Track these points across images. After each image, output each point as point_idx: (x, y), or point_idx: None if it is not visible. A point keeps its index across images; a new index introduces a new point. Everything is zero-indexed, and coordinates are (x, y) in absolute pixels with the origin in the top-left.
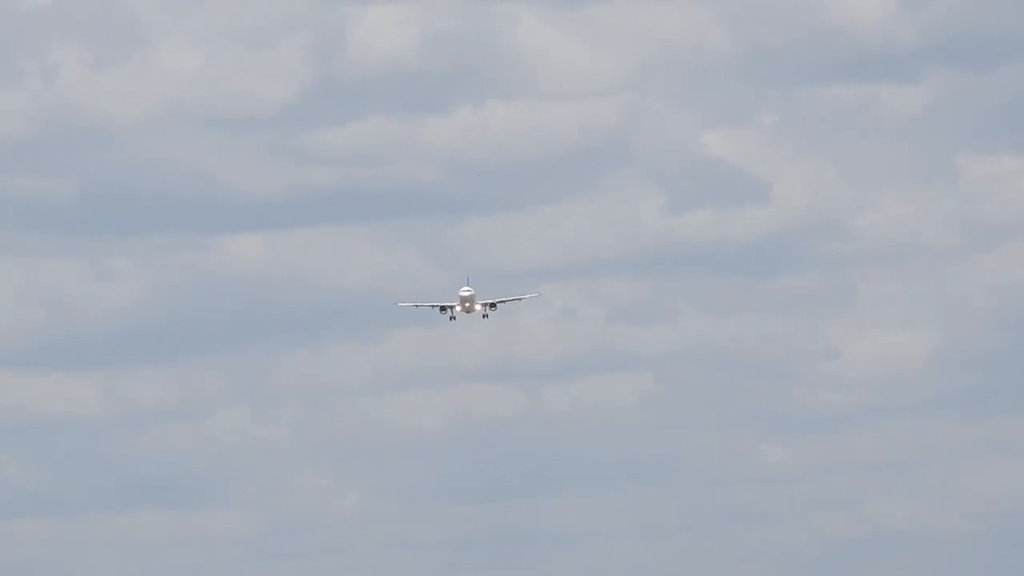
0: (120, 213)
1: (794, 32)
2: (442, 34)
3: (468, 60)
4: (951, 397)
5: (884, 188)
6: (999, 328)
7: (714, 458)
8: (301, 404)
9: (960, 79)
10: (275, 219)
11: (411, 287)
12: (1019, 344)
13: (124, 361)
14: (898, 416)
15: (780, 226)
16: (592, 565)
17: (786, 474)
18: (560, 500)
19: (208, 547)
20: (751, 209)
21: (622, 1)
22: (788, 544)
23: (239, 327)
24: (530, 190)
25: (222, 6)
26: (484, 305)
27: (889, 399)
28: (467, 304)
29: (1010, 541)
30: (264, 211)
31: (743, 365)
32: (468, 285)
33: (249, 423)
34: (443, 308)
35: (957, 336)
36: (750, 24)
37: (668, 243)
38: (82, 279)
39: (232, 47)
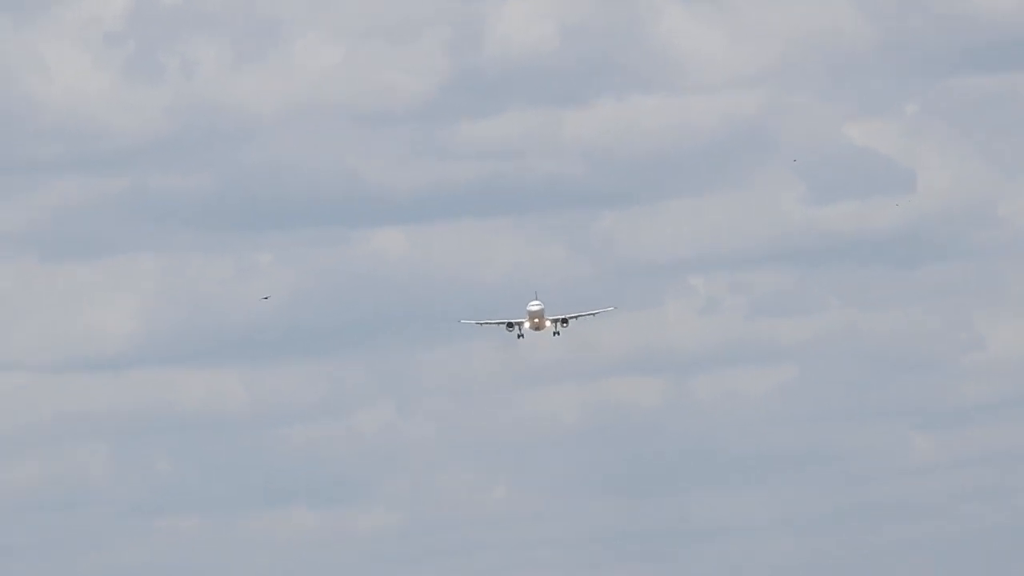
0: (262, 209)
1: (936, 21)
2: (583, 27)
3: (610, 53)
4: None
5: None
6: None
7: (859, 450)
8: (446, 399)
9: None
10: (417, 213)
11: (554, 280)
12: None
13: (268, 357)
14: None
15: (924, 216)
16: (737, 559)
17: (932, 465)
18: (705, 493)
19: (353, 544)
20: (895, 199)
21: None
22: (935, 536)
23: (382, 322)
24: (672, 182)
25: (362, 1)
26: (555, 321)
27: None
28: (536, 320)
29: None
30: (406, 206)
31: (888, 356)
32: (537, 299)
33: (394, 419)
34: (510, 325)
35: None
36: (891, 14)
37: (811, 234)
38: (225, 275)
39: (372, 42)
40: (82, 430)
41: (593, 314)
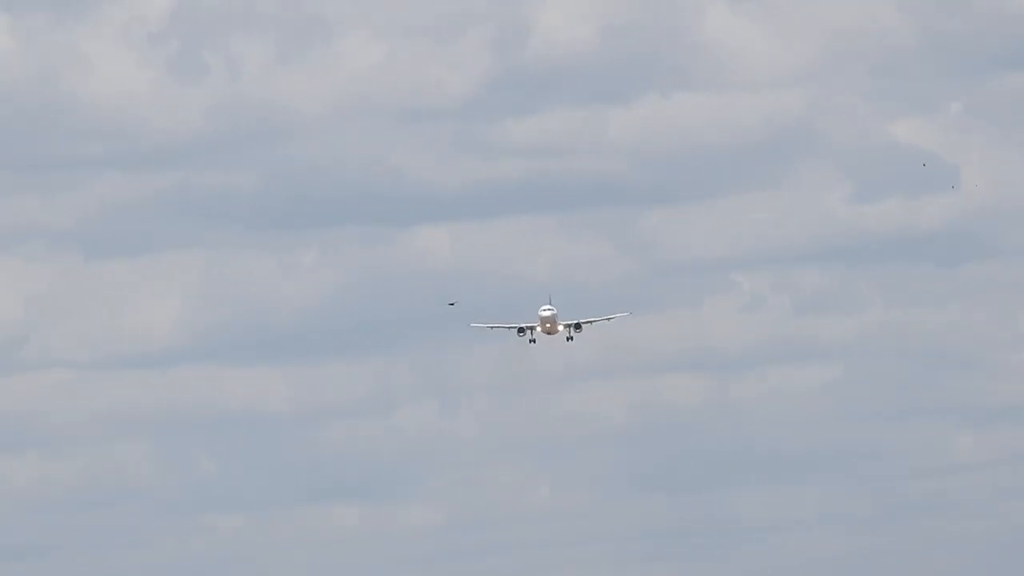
0: (306, 207)
1: (979, 18)
2: (627, 24)
3: (653, 51)
4: None
5: None
6: None
7: (904, 448)
8: (489, 397)
9: None
10: (461, 211)
11: (597, 278)
12: None
13: (311, 355)
14: None
15: (969, 214)
16: (780, 556)
17: (975, 463)
18: (749, 491)
19: (397, 541)
20: (939, 197)
21: None
22: (977, 533)
23: (426, 320)
24: (716, 180)
25: None
26: (568, 326)
27: None
28: (548, 325)
29: None
30: (450, 203)
31: (931, 354)
32: (550, 304)
33: (436, 416)
34: (521, 330)
35: None
36: (935, 11)
37: (854, 232)
38: (269, 273)
39: (416, 40)
40: (125, 427)
41: (608, 319)
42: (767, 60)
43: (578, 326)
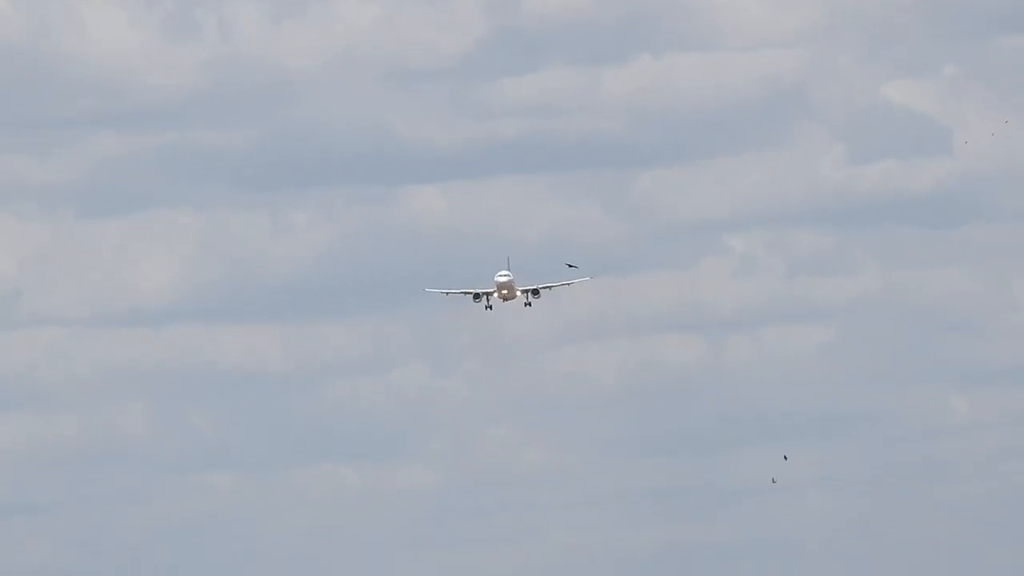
0: (300, 166)
1: None
2: None
3: (648, 11)
4: None
5: None
6: None
7: (899, 411)
8: (483, 357)
9: None
10: (455, 171)
11: (590, 238)
12: None
13: (306, 315)
14: None
15: (963, 177)
16: (777, 519)
17: (972, 426)
18: (744, 453)
19: (392, 502)
20: (934, 159)
21: None
22: (974, 496)
23: (420, 280)
24: (710, 142)
25: None
26: (526, 292)
27: None
28: (504, 291)
29: None
30: (443, 163)
31: (926, 316)
32: (507, 269)
33: (432, 377)
34: (477, 296)
35: None
36: None
37: (850, 194)
38: (263, 232)
39: None
40: (120, 386)
41: (567, 284)
42: (762, 21)
43: (536, 291)
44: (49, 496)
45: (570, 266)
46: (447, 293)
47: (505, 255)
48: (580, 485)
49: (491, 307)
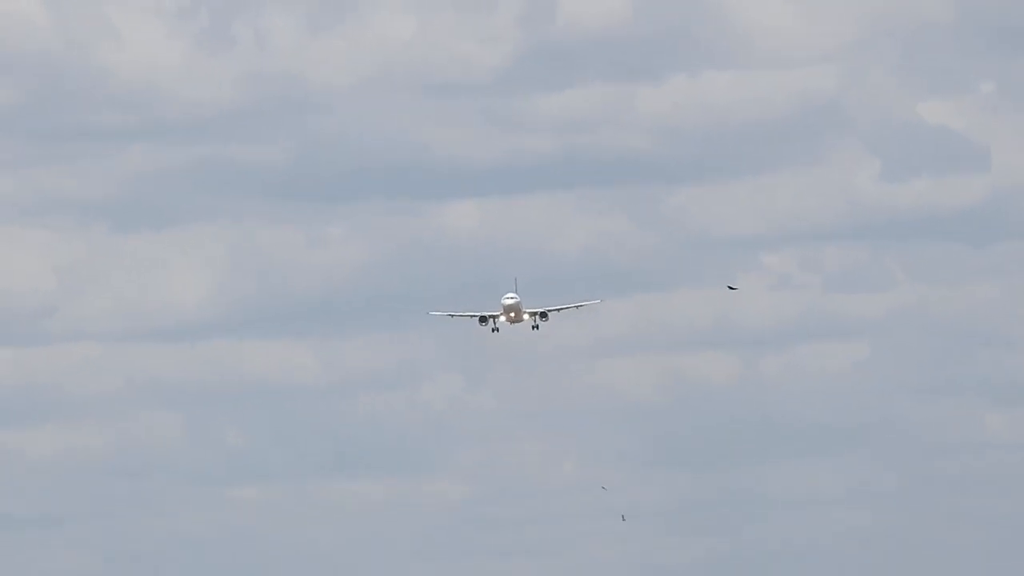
0: (334, 180)
1: None
2: (656, 1)
3: (683, 27)
4: None
5: None
6: None
7: (932, 425)
8: (514, 370)
9: None
10: (489, 186)
11: (626, 254)
12: None
13: (338, 329)
14: None
15: (998, 193)
16: (809, 532)
17: (1006, 441)
18: (777, 467)
19: (422, 514)
20: (968, 177)
21: None
22: (1005, 511)
23: (453, 294)
24: (745, 158)
25: None
26: (534, 314)
27: None
28: (512, 314)
29: None
30: (478, 178)
31: (959, 333)
32: (514, 292)
33: (462, 390)
34: (483, 319)
35: None
36: None
37: (885, 211)
38: (296, 246)
39: (445, 13)
40: (152, 400)
41: (577, 307)
42: (798, 38)
43: (544, 314)
44: (80, 508)
45: (731, 288)
46: (452, 315)
47: (545, 270)
48: (609, 498)
49: (497, 329)
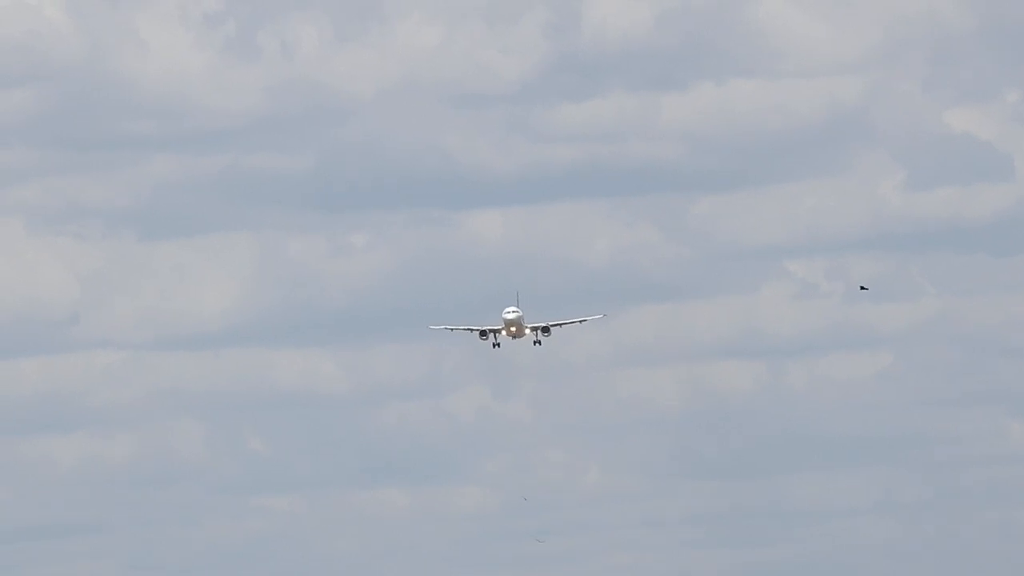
0: (359, 189)
1: None
2: (682, 10)
3: (708, 37)
4: None
5: None
6: None
7: (957, 436)
8: (541, 380)
9: None
10: (514, 196)
11: (651, 264)
12: None
13: (364, 338)
14: None
15: (1023, 203)
16: (834, 543)
17: None
18: (801, 477)
19: (448, 524)
20: (994, 186)
21: None
22: None
23: (478, 303)
24: (770, 168)
25: None
26: (535, 329)
27: None
28: (513, 328)
29: None
30: (503, 187)
31: (984, 343)
32: (516, 306)
33: (489, 400)
34: (484, 333)
35: None
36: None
37: (910, 220)
38: (321, 255)
39: (471, 23)
40: (177, 409)
41: (580, 322)
42: (823, 47)
43: (546, 329)
44: (106, 517)
45: (863, 288)
46: (452, 329)
47: (570, 279)
48: (635, 508)
49: (499, 344)
